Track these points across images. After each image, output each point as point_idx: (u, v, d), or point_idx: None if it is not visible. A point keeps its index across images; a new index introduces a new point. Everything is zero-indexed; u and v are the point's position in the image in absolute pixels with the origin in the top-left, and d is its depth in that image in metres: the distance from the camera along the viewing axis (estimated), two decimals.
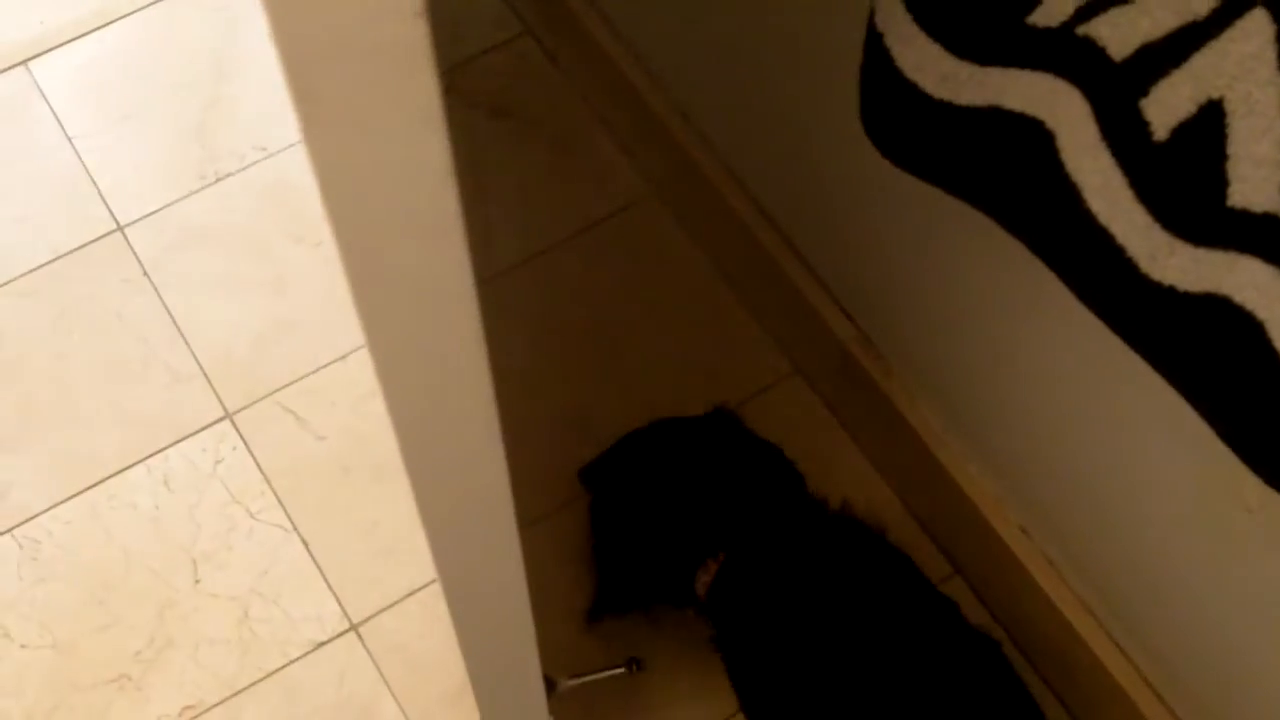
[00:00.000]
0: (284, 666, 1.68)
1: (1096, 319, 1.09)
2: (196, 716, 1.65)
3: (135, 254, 1.95)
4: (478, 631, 0.98)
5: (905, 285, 1.55)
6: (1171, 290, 0.96)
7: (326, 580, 1.72)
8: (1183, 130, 0.87)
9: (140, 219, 1.98)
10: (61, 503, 1.77)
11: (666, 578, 1.54)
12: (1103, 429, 1.33)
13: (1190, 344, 0.98)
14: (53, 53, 2.13)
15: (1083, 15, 0.93)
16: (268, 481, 1.78)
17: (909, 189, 1.25)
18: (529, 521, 1.69)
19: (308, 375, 1.86)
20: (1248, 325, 0.91)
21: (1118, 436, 1.31)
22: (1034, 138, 1.02)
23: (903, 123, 1.15)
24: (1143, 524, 1.34)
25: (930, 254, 1.45)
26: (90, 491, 1.78)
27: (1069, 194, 1.00)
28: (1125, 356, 1.09)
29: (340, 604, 1.71)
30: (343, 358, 1.87)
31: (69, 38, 2.14)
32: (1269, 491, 1.02)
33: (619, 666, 1.61)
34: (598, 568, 1.62)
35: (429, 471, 0.73)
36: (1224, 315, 0.93)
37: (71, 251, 1.96)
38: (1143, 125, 0.90)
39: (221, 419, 1.83)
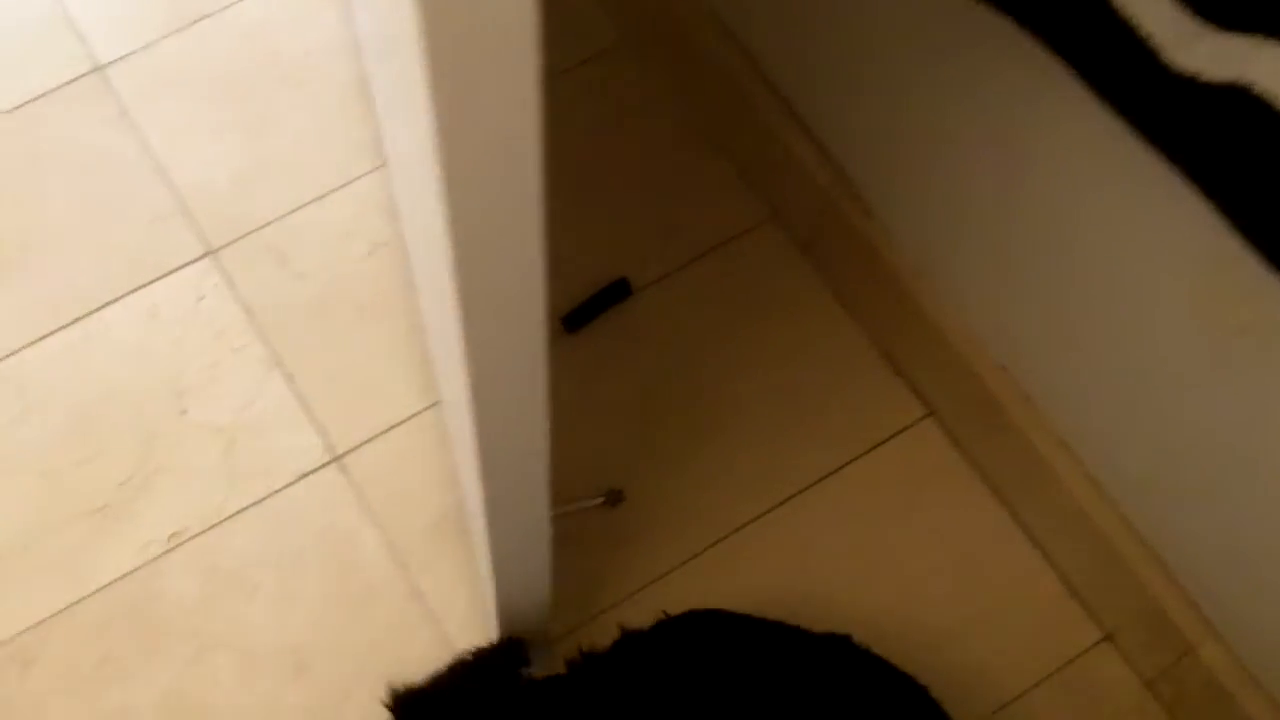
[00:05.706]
0: (268, 496, 1.71)
1: (1090, 144, 1.09)
2: (183, 542, 1.67)
3: (115, 94, 1.95)
4: (498, 446, 1.00)
5: (886, 123, 1.55)
6: (1193, 81, 0.97)
7: (310, 413, 1.75)
8: None
9: (119, 59, 1.97)
10: (44, 337, 1.79)
11: None
12: (1088, 261, 1.33)
13: (1210, 135, 0.99)
14: None
15: None
16: (250, 317, 1.80)
17: (891, 20, 1.25)
18: None
19: (288, 214, 1.87)
20: (1267, 115, 0.94)
21: (1104, 267, 1.31)
22: None
23: None
24: (1128, 353, 1.35)
25: (913, 89, 1.46)
26: (73, 327, 1.79)
27: None
28: (1115, 182, 1.10)
29: (323, 437, 1.74)
30: (322, 197, 1.88)
31: None
32: (1259, 312, 1.04)
33: (598, 498, 1.65)
34: None
35: (477, 274, 0.75)
36: (1244, 105, 0.95)
37: (50, 92, 1.95)
38: None
39: (203, 256, 1.84)
